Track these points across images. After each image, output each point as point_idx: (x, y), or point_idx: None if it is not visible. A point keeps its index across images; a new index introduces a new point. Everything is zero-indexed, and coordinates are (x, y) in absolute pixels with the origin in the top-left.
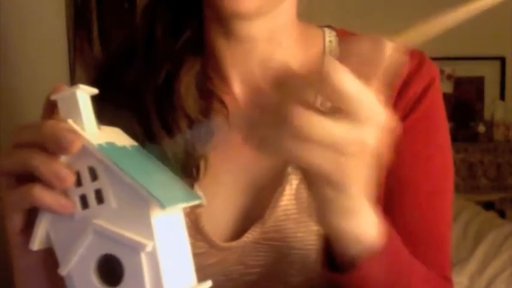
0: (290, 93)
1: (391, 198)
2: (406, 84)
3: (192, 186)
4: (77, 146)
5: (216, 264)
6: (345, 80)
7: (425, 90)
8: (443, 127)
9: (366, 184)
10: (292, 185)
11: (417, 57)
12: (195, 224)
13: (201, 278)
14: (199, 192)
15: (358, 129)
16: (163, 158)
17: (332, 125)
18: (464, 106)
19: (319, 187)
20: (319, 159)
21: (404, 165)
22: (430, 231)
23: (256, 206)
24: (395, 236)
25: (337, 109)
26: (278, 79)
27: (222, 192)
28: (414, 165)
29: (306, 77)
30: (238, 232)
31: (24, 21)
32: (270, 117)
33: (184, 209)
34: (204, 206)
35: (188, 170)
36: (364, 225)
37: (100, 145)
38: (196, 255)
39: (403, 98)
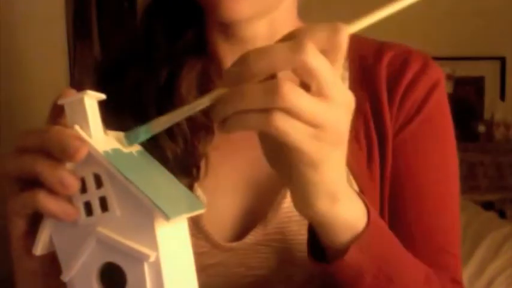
0: (271, 65)
1: (399, 202)
2: (410, 87)
3: (192, 185)
4: (82, 154)
5: (218, 265)
6: (323, 63)
7: (430, 93)
8: (449, 130)
9: (344, 170)
10: None
11: (421, 60)
12: (195, 223)
13: (202, 278)
14: (199, 192)
15: (334, 111)
16: (164, 159)
17: (315, 103)
18: (464, 106)
19: (301, 169)
20: (301, 135)
21: (411, 168)
22: (440, 235)
23: (259, 206)
24: (384, 226)
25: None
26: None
27: (223, 192)
28: (421, 168)
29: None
30: (240, 233)
31: (24, 22)
32: (252, 90)
33: None
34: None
35: (189, 169)
36: (351, 210)
37: (106, 152)
38: (197, 255)
39: (407, 100)
